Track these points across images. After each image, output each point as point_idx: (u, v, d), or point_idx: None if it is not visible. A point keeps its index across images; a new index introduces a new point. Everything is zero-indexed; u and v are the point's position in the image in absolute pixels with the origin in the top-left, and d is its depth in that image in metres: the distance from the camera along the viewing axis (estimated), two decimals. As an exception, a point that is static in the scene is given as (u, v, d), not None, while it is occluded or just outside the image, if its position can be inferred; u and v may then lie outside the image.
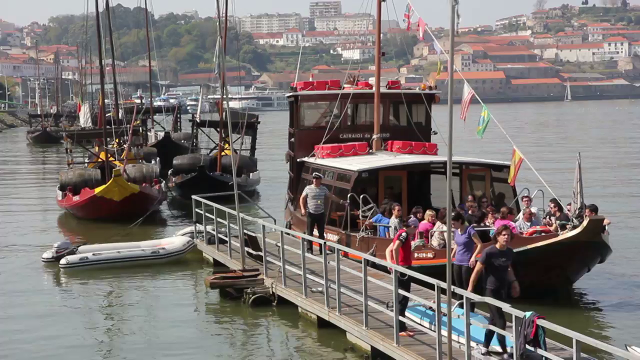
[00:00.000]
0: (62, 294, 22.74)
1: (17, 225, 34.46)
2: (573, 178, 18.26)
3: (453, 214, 19.95)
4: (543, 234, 19.36)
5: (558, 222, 19.42)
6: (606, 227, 19.16)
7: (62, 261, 24.40)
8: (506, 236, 13.83)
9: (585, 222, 18.02)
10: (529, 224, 20.19)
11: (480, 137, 19.42)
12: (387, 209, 21.56)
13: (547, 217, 20.49)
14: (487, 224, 20.10)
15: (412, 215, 20.29)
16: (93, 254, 24.89)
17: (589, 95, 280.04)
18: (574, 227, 18.29)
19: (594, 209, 19.36)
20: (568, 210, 19.38)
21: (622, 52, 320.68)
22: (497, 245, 13.83)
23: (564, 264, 18.96)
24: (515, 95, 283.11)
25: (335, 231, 22.97)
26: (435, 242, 20.25)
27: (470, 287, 13.95)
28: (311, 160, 26.34)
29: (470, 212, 20.64)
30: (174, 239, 26.54)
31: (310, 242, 20.50)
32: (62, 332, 18.42)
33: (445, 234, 19.79)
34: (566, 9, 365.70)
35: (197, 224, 26.17)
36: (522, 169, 19.79)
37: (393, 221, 20.80)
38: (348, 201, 22.63)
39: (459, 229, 16.31)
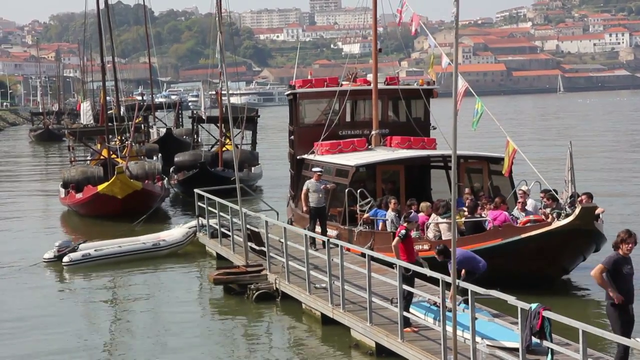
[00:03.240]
0: (67, 291, 22.89)
1: (20, 223, 34.56)
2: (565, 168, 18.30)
3: (445, 204, 20.15)
4: (537, 223, 19.38)
5: (554, 211, 19.44)
6: (600, 216, 19.17)
7: (65, 259, 24.46)
8: (630, 245, 12.46)
9: (576, 210, 18.03)
10: (523, 213, 20.25)
11: (473, 129, 19.46)
12: (384, 202, 21.67)
13: (543, 207, 20.54)
14: (483, 215, 20.21)
15: (412, 210, 20.35)
16: (95, 250, 24.98)
17: (590, 87, 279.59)
18: (567, 216, 18.32)
19: (590, 195, 19.38)
20: (561, 199, 19.42)
21: (623, 42, 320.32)
22: (621, 252, 12.50)
23: (557, 252, 19.03)
24: (517, 87, 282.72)
25: (334, 226, 23.02)
26: (430, 234, 20.33)
27: (612, 292, 12.38)
28: (311, 157, 26.39)
29: (466, 203, 20.77)
30: (173, 231, 26.71)
31: (313, 237, 20.53)
32: (67, 329, 18.56)
33: (441, 226, 20.05)
34: (567, 0, 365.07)
35: (200, 218, 26.25)
36: (520, 162, 19.75)
37: (390, 215, 20.93)
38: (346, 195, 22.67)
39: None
